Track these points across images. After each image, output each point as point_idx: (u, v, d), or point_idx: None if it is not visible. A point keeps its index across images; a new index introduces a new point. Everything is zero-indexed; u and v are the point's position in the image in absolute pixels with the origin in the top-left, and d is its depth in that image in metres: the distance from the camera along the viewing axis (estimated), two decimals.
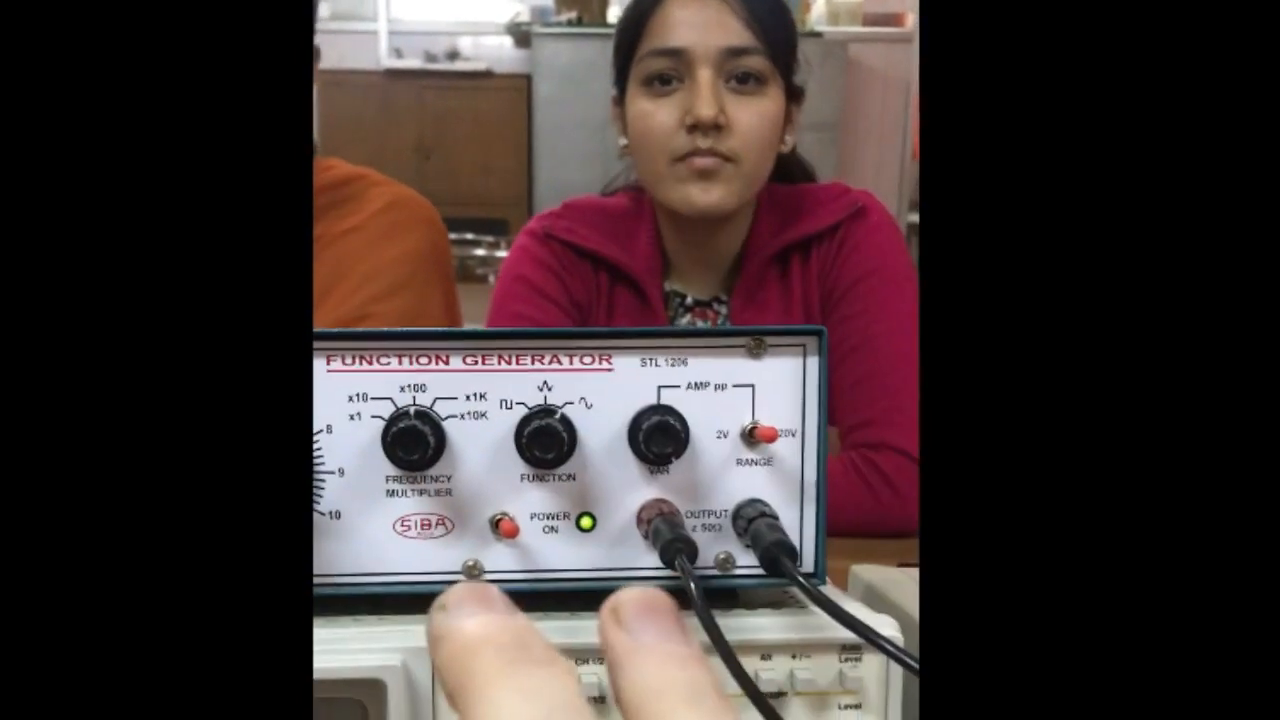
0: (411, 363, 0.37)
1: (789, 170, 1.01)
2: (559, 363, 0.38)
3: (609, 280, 0.96)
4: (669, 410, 0.37)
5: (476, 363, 0.37)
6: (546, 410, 0.37)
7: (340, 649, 0.36)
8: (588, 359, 0.38)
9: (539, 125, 3.66)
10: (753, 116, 0.86)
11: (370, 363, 0.37)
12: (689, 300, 0.98)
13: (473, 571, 0.39)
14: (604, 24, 3.64)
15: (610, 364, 0.38)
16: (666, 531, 0.35)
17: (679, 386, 0.38)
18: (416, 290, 0.98)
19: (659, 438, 0.37)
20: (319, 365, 0.37)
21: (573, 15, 3.71)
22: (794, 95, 0.92)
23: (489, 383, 0.38)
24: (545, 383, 0.38)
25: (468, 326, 1.04)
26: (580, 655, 0.37)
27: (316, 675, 0.35)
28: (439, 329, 0.38)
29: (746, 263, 0.95)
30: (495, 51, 4.03)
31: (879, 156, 4.03)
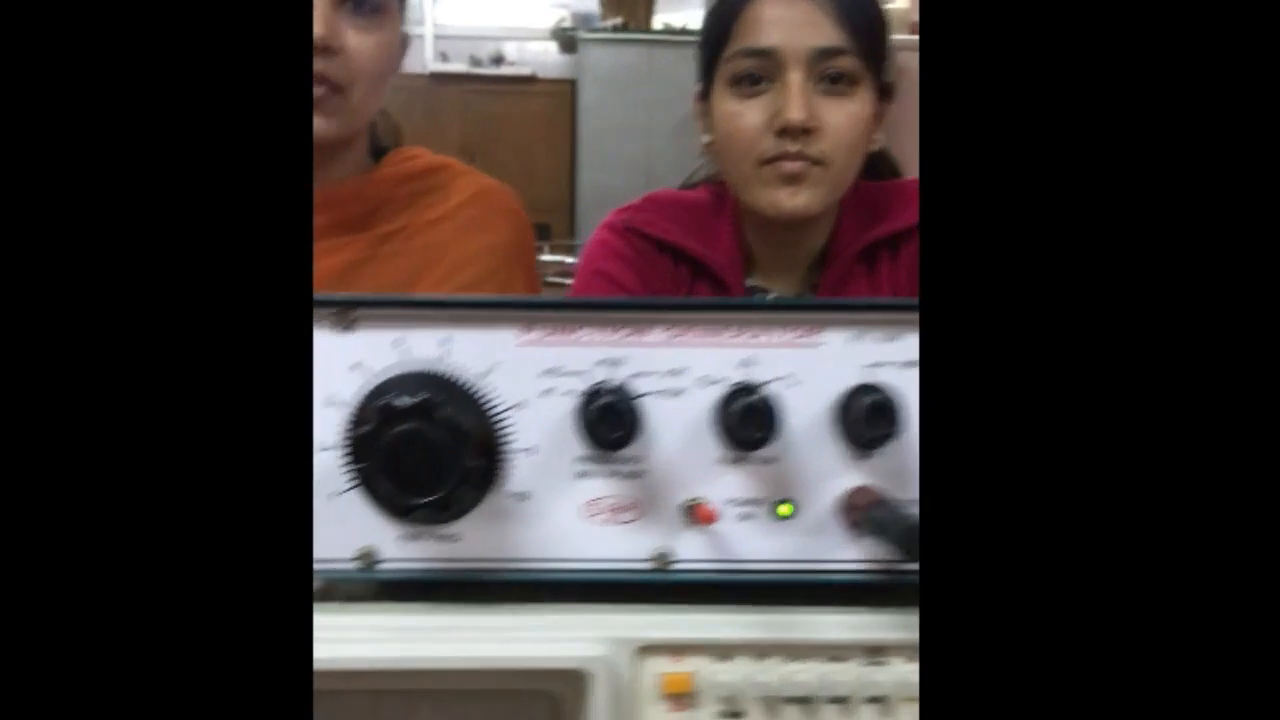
0: (610, 333, 0.35)
1: (875, 166, 0.98)
2: (763, 337, 0.35)
3: (689, 274, 0.94)
4: (881, 390, 0.35)
5: (679, 335, 0.35)
6: (748, 388, 0.35)
7: (531, 637, 0.34)
8: (795, 332, 0.35)
9: (582, 130, 3.64)
10: (843, 119, 0.83)
11: (566, 334, 0.35)
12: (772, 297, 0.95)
13: (662, 560, 0.36)
14: (649, 30, 3.62)
15: (818, 338, 0.35)
16: (894, 520, 0.33)
17: (891, 364, 0.35)
18: (502, 281, 0.96)
19: (873, 419, 0.34)
20: (509, 337, 0.35)
21: (618, 21, 3.70)
22: (885, 93, 0.89)
23: (689, 358, 0.35)
24: (748, 358, 0.35)
25: (664, 297, 1.02)
26: (778, 652, 0.34)
27: (501, 665, 0.33)
28: (640, 299, 0.35)
29: (832, 260, 0.92)
30: (540, 56, 4.02)
31: None
